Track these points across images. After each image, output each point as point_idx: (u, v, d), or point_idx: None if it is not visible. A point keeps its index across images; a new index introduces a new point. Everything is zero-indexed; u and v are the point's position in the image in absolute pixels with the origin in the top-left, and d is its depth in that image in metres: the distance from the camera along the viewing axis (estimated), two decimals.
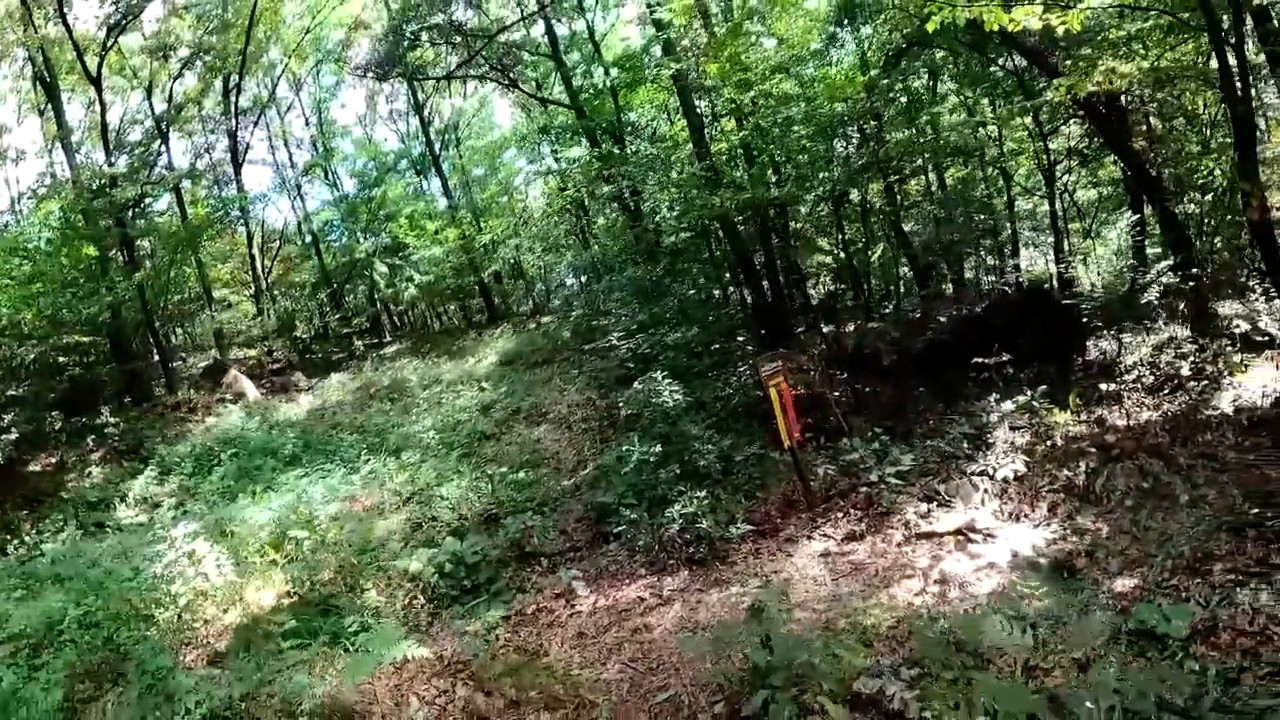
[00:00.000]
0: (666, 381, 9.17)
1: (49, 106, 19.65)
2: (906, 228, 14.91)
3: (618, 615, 7.00)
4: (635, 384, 10.41)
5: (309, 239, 26.12)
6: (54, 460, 15.04)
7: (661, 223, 13.98)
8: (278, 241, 27.70)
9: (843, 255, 14.64)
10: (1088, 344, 10.42)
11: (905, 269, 15.46)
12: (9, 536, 11.72)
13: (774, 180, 12.73)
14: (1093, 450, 7.62)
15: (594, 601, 7.34)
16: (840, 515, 7.83)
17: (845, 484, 8.22)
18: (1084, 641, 4.81)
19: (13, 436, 15.96)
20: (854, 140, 13.38)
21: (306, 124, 28.39)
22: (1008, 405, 8.93)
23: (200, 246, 21.73)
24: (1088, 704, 4.05)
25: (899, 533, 7.31)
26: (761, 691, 4.95)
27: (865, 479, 8.09)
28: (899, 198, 14.93)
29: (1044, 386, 8.99)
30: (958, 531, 7.09)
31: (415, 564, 8.19)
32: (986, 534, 6.98)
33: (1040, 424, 8.44)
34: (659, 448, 8.48)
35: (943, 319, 11.88)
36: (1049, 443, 8.05)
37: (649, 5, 13.45)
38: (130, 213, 19.26)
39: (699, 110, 14.69)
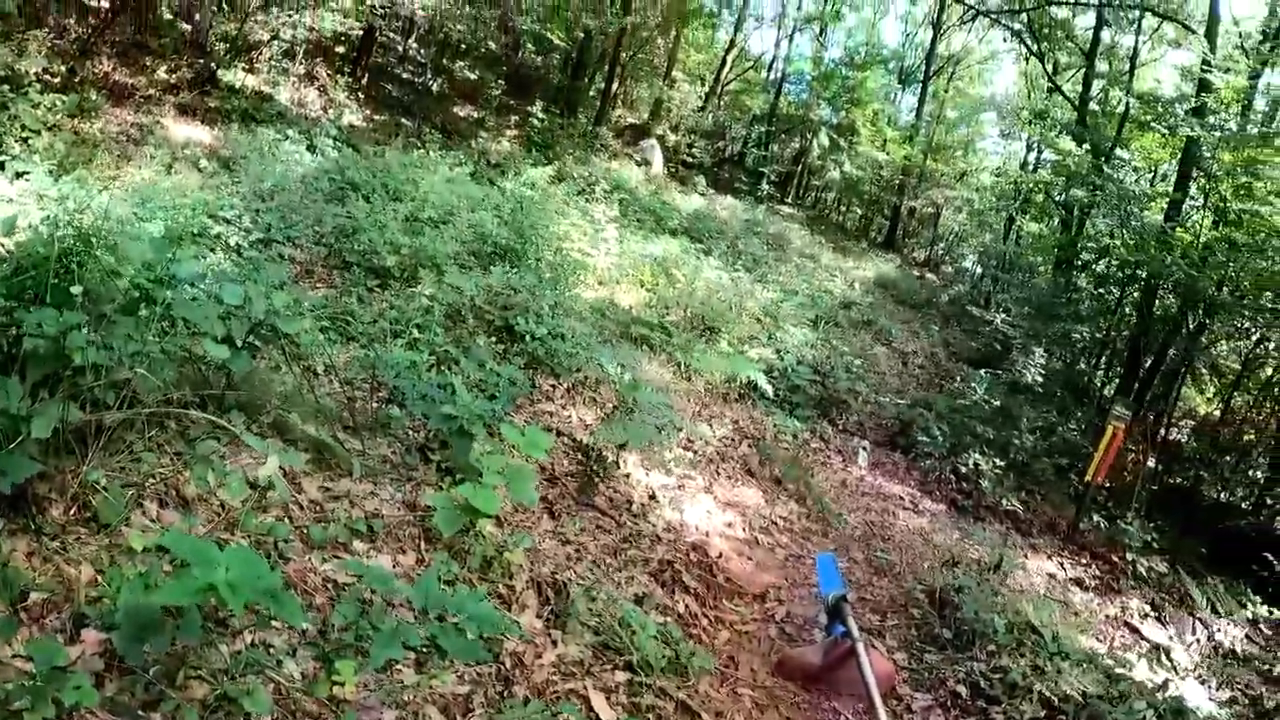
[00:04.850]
0: (1040, 359, 10.54)
1: None
2: None
3: (877, 495, 8.81)
4: (982, 370, 11.85)
5: (775, 77, 28.44)
6: (475, 115, 18.22)
7: (1094, 251, 14.55)
8: (750, 65, 30.22)
9: (1214, 397, 14.77)
10: None
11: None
12: (420, 146, 14.56)
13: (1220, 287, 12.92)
14: None
15: (864, 475, 9.19)
16: (1082, 562, 9.05)
17: (1102, 545, 9.37)
18: None
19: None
20: None
21: None
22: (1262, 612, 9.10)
23: (684, 26, 24.40)
24: None
25: (1114, 610, 8.43)
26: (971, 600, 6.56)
27: (1121, 552, 9.14)
28: None
29: None
30: (1157, 647, 8.16)
31: (754, 353, 10.30)
32: (1176, 667, 7.97)
33: None
34: (998, 402, 10.01)
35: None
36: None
37: (1205, 62, 13.46)
38: None
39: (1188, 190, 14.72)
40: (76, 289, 3.41)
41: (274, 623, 2.86)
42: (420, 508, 4.08)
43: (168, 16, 13.59)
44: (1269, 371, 13.89)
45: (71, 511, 3.07)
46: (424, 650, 2.90)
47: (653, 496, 6.04)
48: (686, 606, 4.55)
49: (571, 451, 5.94)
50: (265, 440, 3.72)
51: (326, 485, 4.17)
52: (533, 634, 3.47)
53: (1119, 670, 6.20)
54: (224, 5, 13.40)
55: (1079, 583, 8.63)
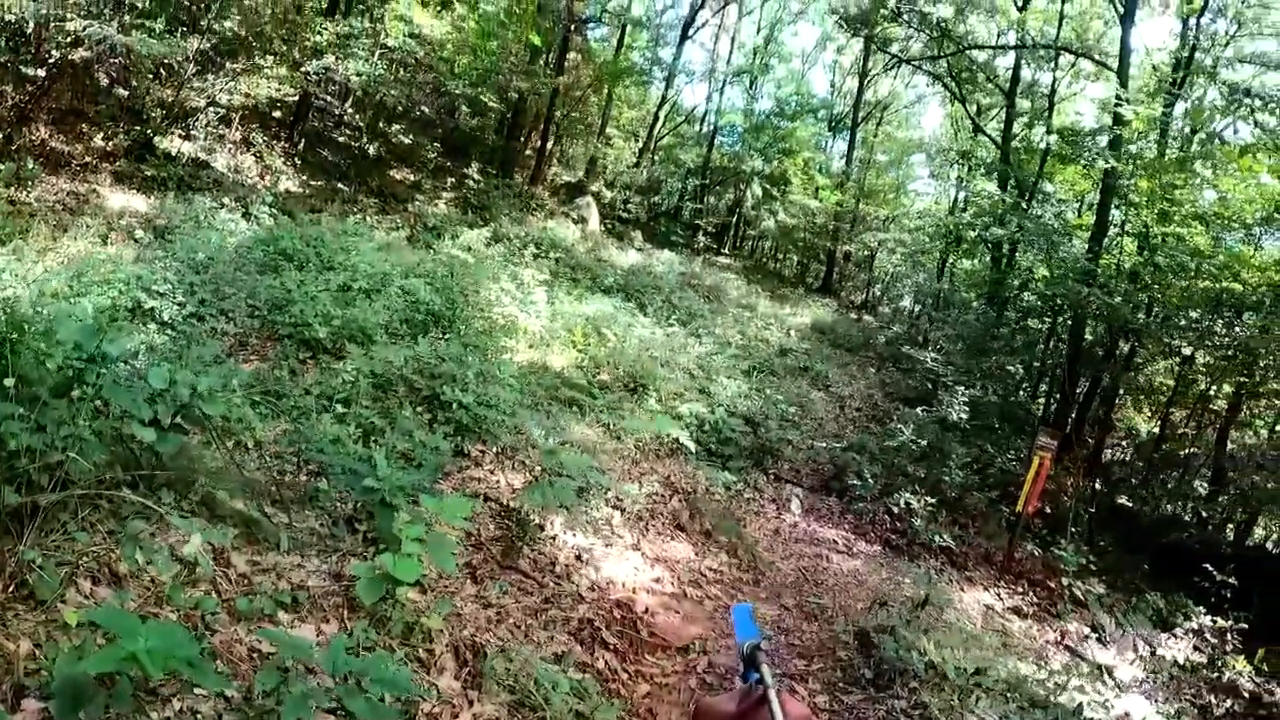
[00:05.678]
0: (963, 397, 11.01)
1: None
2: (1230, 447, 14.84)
3: (811, 540, 9.14)
4: (920, 409, 12.32)
5: (708, 130, 29.30)
6: (411, 178, 18.62)
7: (1026, 286, 15.17)
8: (682, 119, 31.15)
9: (1152, 416, 15.27)
10: None
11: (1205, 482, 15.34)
12: (357, 210, 15.05)
13: (1144, 311, 13.44)
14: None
15: (797, 522, 9.52)
16: (1019, 590, 9.45)
17: (1039, 572, 9.79)
18: None
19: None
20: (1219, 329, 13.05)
21: (757, 31, 31.22)
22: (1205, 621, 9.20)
23: (616, 84, 25.07)
24: None
25: (1054, 634, 8.81)
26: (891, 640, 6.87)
27: (1058, 578, 9.56)
28: (1243, 411, 14.85)
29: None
30: (1099, 666, 8.53)
31: (685, 408, 10.65)
32: (1119, 685, 8.37)
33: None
34: (924, 442, 10.45)
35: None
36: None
37: (1117, 97, 14.13)
38: (574, 27, 22.19)
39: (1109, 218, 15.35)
40: (10, 381, 3.62)
41: (200, 690, 3.08)
42: (346, 578, 4.30)
43: (104, 82, 13.77)
44: (1201, 385, 14.44)
45: (10, 589, 3.25)
46: (340, 714, 3.13)
47: (578, 557, 6.29)
48: (606, 662, 4.80)
49: (498, 516, 6.19)
50: (190, 519, 3.94)
51: (255, 559, 4.38)
52: (450, 695, 3.71)
53: (1045, 695, 6.54)
54: (161, 71, 13.63)
55: (1017, 611, 8.99)
